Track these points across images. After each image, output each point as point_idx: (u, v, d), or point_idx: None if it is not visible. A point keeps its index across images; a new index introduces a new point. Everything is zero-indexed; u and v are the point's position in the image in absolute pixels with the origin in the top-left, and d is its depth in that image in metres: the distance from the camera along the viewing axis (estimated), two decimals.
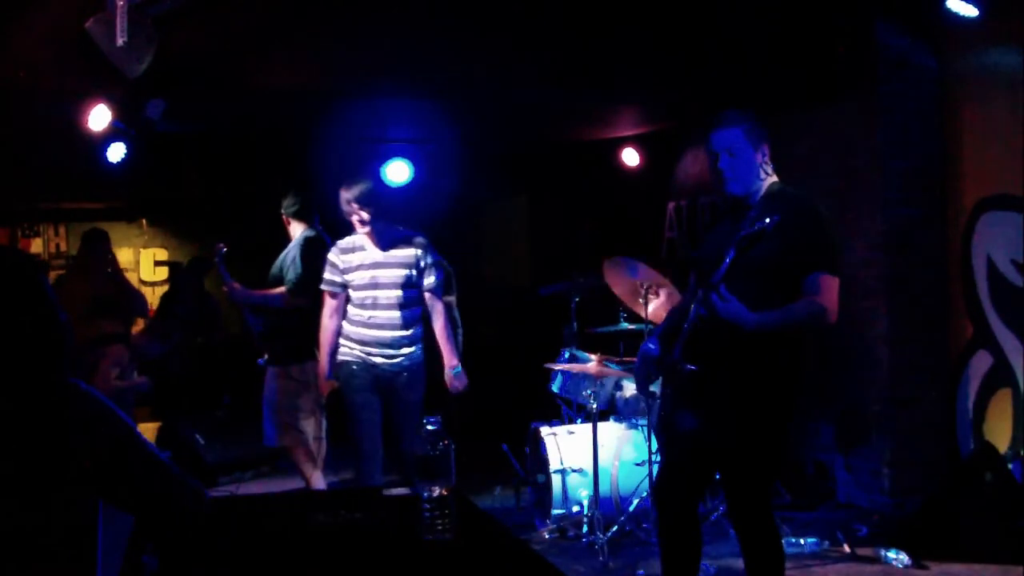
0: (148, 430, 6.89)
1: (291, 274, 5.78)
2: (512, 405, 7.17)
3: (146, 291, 10.57)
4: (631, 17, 5.77)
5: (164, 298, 9.48)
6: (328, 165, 6.51)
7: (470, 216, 10.17)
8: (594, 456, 5.44)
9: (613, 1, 5.75)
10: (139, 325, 7.87)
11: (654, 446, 5.60)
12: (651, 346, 3.84)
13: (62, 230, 11.59)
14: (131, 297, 7.29)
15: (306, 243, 5.85)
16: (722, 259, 3.51)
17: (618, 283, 5.85)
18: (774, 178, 3.75)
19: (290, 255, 5.88)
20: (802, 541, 5.36)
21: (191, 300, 8.96)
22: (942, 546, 5.09)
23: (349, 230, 5.28)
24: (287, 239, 6.07)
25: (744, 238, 3.44)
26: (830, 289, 3.65)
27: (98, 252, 7.07)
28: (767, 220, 3.41)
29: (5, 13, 4.83)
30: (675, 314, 4.01)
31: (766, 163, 3.72)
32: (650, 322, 5.65)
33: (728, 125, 3.69)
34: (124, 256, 11.75)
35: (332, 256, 5.28)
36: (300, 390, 5.82)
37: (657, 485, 3.87)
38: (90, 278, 6.91)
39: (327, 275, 5.27)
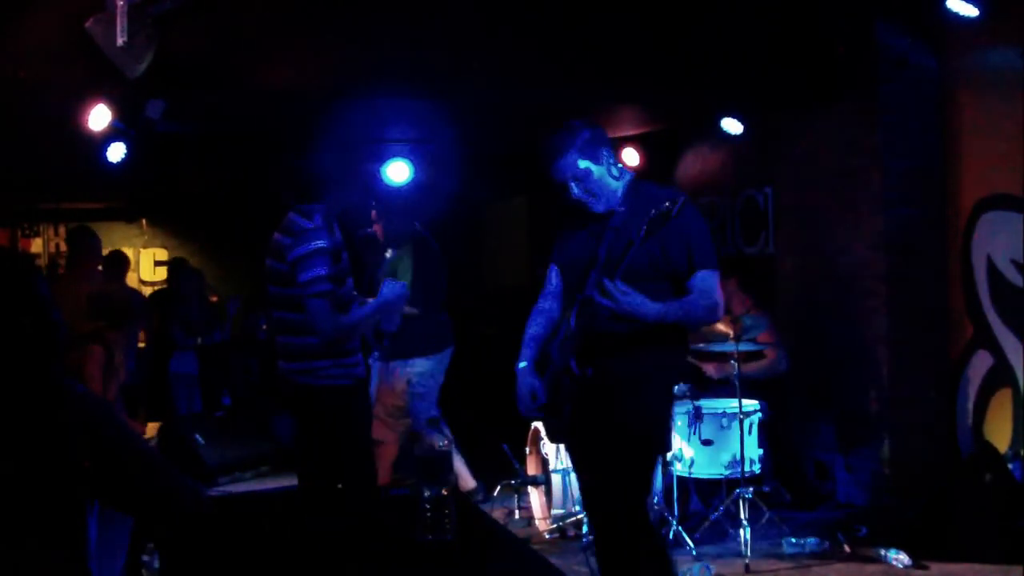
0: (148, 430, 6.88)
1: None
2: (512, 405, 7.16)
3: (146, 291, 10.58)
4: (631, 17, 5.77)
5: (161, 296, 9.45)
6: (328, 165, 6.51)
7: (470, 216, 10.17)
8: None
9: (613, 1, 5.75)
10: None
11: None
12: (525, 364, 3.68)
13: (62, 230, 11.60)
14: (127, 297, 7.28)
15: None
16: (595, 260, 3.46)
17: None
18: (629, 173, 3.67)
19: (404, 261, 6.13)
20: (802, 541, 5.36)
21: (194, 300, 8.95)
22: (942, 546, 5.09)
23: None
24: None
25: (652, 221, 3.28)
26: (716, 285, 3.54)
27: (89, 250, 7.06)
28: (668, 204, 3.26)
29: (5, 13, 4.83)
30: (540, 327, 3.79)
31: (614, 165, 3.61)
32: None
33: (560, 155, 3.55)
34: None
35: None
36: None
37: (588, 506, 3.77)
38: (83, 277, 6.91)
39: None
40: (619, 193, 3.60)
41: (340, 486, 3.97)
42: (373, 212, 6.38)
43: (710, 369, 6.32)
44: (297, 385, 4.11)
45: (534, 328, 3.77)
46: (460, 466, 6.43)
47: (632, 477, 3.53)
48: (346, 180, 4.27)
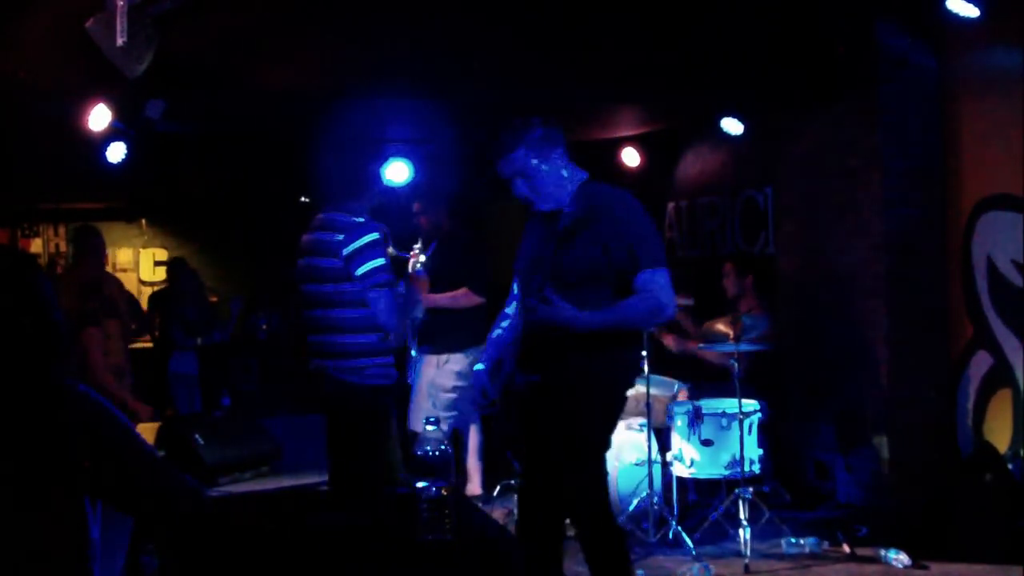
0: (147, 430, 6.87)
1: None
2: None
3: (145, 291, 10.59)
4: (631, 17, 5.77)
5: (160, 296, 9.45)
6: (328, 165, 6.52)
7: (470, 216, 10.16)
8: None
9: (613, 1, 5.75)
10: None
11: (654, 447, 5.61)
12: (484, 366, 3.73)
13: (62, 230, 11.61)
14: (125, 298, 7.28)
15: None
16: (542, 263, 3.45)
17: None
18: (582, 175, 3.63)
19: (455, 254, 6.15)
20: (802, 541, 5.36)
21: (193, 299, 8.95)
22: (942, 546, 5.09)
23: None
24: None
25: (558, 236, 3.33)
26: (659, 285, 3.44)
27: (92, 250, 7.07)
28: (568, 216, 3.30)
29: (5, 13, 4.83)
30: (501, 330, 3.83)
31: (565, 165, 3.58)
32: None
33: (508, 151, 3.55)
34: (124, 256, 11.78)
35: None
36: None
37: (524, 507, 3.70)
38: (81, 270, 6.91)
39: None
40: (568, 195, 3.58)
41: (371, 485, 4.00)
42: (416, 205, 6.35)
43: (669, 341, 6.38)
44: (341, 383, 4.14)
45: (496, 331, 3.83)
46: (475, 471, 6.42)
47: (574, 480, 3.48)
48: (374, 177, 4.42)
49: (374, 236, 4.10)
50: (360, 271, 4.06)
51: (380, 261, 4.07)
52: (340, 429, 4.29)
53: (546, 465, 3.53)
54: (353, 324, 4.14)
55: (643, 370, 5.40)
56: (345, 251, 4.07)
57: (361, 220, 4.16)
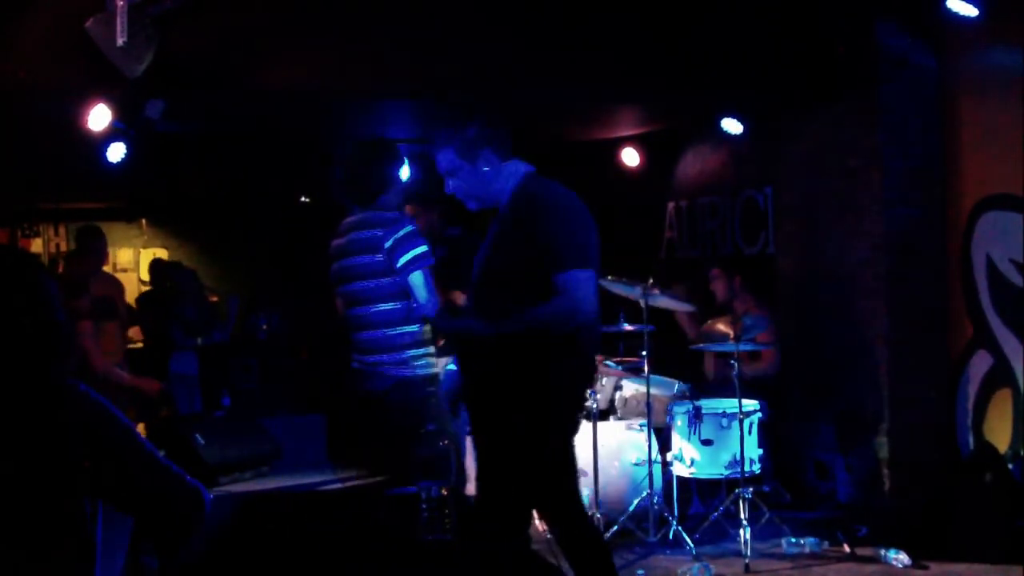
0: (141, 430, 6.86)
1: None
2: None
3: (146, 291, 10.58)
4: (631, 17, 5.76)
5: (152, 297, 9.43)
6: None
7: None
8: (594, 456, 5.44)
9: (613, 1, 5.75)
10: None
11: (655, 446, 5.61)
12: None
13: (62, 230, 11.61)
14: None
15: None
16: (480, 267, 3.47)
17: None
18: (522, 172, 3.57)
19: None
20: (802, 541, 5.36)
21: (192, 299, 8.94)
22: (942, 546, 5.09)
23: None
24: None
25: (492, 239, 3.32)
26: (575, 285, 3.33)
27: (92, 249, 7.07)
28: (501, 218, 3.29)
29: (5, 13, 4.83)
30: None
31: (494, 165, 3.53)
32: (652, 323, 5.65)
33: (439, 147, 3.55)
34: (124, 256, 11.78)
35: None
36: None
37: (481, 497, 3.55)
38: (74, 268, 6.92)
39: None
40: (498, 194, 3.55)
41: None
42: (409, 207, 6.25)
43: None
44: (390, 378, 4.23)
45: None
46: (474, 471, 6.37)
47: (508, 487, 3.39)
48: (396, 177, 4.49)
49: (411, 227, 4.25)
50: (403, 260, 4.18)
51: (423, 248, 4.21)
52: (382, 424, 4.31)
53: (487, 467, 3.45)
54: (398, 317, 4.25)
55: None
56: (387, 244, 4.19)
57: (396, 215, 4.31)
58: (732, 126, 7.01)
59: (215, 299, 9.71)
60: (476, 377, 3.46)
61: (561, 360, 3.38)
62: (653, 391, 5.63)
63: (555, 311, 3.31)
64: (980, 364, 5.98)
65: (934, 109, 6.19)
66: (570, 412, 3.53)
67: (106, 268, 7.78)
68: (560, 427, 3.49)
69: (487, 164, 3.52)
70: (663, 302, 5.84)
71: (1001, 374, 5.82)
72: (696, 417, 5.58)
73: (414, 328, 4.26)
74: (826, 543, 5.38)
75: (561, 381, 3.40)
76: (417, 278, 4.17)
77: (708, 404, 5.65)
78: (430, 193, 6.46)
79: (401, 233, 4.19)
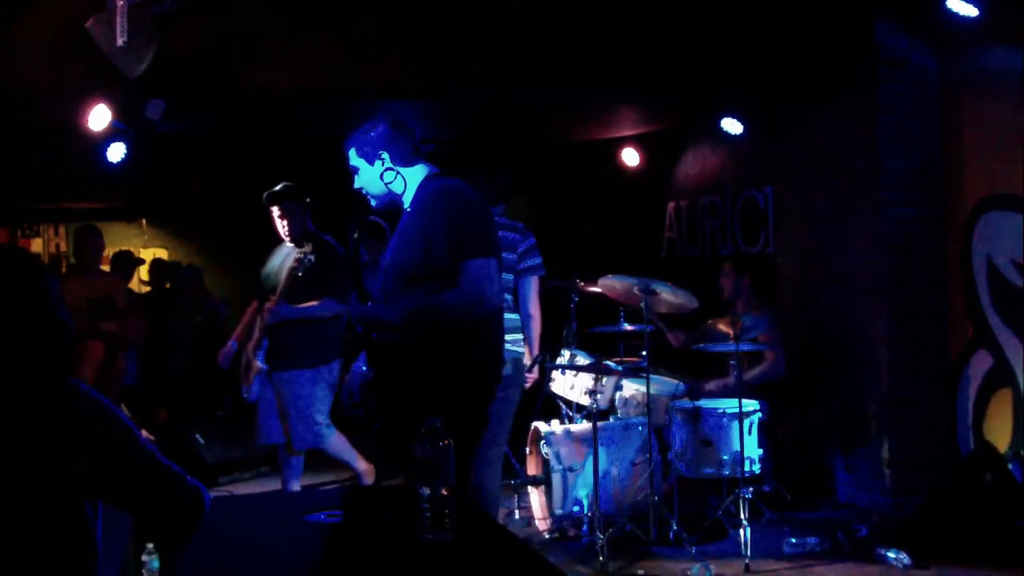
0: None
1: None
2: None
3: (144, 292, 10.57)
4: (631, 17, 5.77)
5: (154, 296, 9.43)
6: (327, 165, 6.53)
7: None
8: (594, 456, 5.44)
9: (613, 1, 5.75)
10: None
11: (655, 446, 5.61)
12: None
13: (62, 230, 11.63)
14: (131, 300, 7.30)
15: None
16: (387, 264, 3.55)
17: (613, 290, 5.82)
18: (425, 173, 3.65)
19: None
20: (802, 541, 5.36)
21: (192, 300, 8.95)
22: (942, 546, 5.09)
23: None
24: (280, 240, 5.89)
25: (397, 236, 3.45)
26: (476, 272, 3.40)
27: (92, 249, 7.09)
28: (404, 215, 3.45)
29: (5, 13, 4.83)
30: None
31: (393, 170, 3.62)
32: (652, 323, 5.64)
33: (347, 146, 3.67)
34: None
35: None
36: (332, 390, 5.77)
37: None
38: (85, 277, 6.94)
39: None
40: (393, 195, 3.66)
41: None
42: (276, 209, 5.75)
43: (676, 338, 6.58)
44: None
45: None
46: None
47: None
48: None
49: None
50: (528, 263, 5.20)
51: (539, 259, 5.27)
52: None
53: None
54: (510, 305, 5.01)
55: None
56: (521, 248, 5.17)
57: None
58: (732, 126, 7.01)
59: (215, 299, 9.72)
60: (386, 370, 3.54)
61: (466, 350, 3.48)
62: (653, 391, 5.63)
63: (458, 298, 3.41)
64: (980, 364, 5.98)
65: (934, 109, 6.18)
66: (476, 402, 3.57)
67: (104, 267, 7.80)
68: (467, 417, 3.49)
69: (384, 166, 3.63)
70: (665, 294, 5.82)
71: (1001, 374, 5.82)
72: (696, 417, 5.58)
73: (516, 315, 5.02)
74: (826, 543, 5.38)
75: (467, 372, 3.49)
76: (531, 280, 5.28)
77: (707, 404, 5.65)
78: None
79: (531, 241, 5.34)
